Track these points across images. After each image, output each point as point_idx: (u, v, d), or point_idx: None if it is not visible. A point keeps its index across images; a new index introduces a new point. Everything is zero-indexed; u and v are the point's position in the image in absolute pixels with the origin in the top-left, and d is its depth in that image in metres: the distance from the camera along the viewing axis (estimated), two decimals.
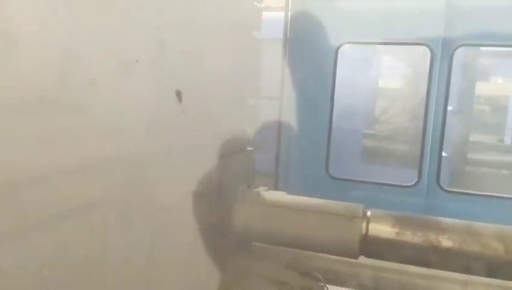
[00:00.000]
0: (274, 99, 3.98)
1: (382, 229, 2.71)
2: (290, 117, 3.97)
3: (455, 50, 3.48)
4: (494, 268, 2.55)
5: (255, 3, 2.99)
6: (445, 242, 2.59)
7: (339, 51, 3.78)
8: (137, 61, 1.53)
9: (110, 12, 1.51)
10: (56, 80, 1.32)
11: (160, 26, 1.73)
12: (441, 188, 3.58)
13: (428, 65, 3.52)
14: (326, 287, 2.85)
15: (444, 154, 3.71)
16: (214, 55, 2.33)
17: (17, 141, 1.21)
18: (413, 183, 3.61)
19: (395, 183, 3.68)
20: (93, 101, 1.44)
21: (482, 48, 4.33)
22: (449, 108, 3.72)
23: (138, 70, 1.62)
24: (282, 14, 3.94)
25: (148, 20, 1.67)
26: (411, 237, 2.64)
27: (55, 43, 1.32)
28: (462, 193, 3.62)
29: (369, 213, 2.81)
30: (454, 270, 2.61)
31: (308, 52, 3.86)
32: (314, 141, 3.87)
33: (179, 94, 1.73)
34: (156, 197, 1.91)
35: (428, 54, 3.53)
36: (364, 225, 2.75)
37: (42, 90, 1.28)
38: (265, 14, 3.60)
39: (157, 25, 1.72)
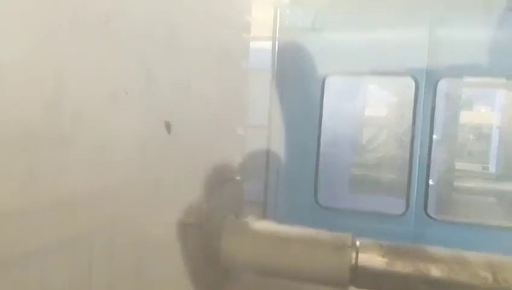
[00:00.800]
0: (262, 127, 4.01)
1: (372, 259, 2.70)
2: (279, 146, 3.99)
3: (438, 81, 3.57)
4: None
5: (243, 34, 3.05)
6: (435, 271, 2.58)
7: (326, 81, 3.84)
8: (126, 93, 1.53)
9: (97, 43, 1.52)
10: (43, 112, 1.31)
11: (147, 56, 1.74)
12: (429, 216, 3.59)
13: (413, 95, 3.59)
14: None
15: (430, 182, 3.74)
16: (202, 85, 2.35)
17: (2, 175, 1.19)
18: (402, 212, 3.62)
19: (384, 212, 3.68)
20: (80, 133, 1.42)
21: (466, 78, 4.46)
22: (434, 137, 3.78)
23: (126, 101, 1.62)
24: (269, 44, 4.01)
25: (136, 50, 1.68)
26: (401, 267, 2.63)
27: (42, 75, 1.32)
28: (449, 222, 3.63)
29: (358, 243, 2.80)
30: None
31: (295, 82, 3.92)
32: (303, 169, 3.88)
33: (167, 126, 1.73)
34: (143, 228, 1.88)
35: (413, 84, 3.61)
36: (353, 255, 2.73)
37: (28, 123, 1.27)
38: (253, 44, 3.68)
39: (145, 55, 1.73)
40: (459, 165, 4.80)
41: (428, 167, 3.60)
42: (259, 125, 4.02)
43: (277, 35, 3.96)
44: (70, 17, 1.42)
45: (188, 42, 2.08)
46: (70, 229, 1.47)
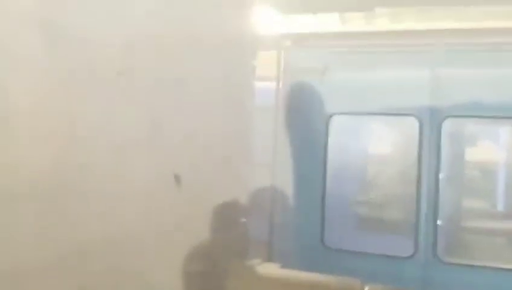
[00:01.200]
0: (267, 166, 3.99)
1: None
2: (284, 185, 3.96)
3: (443, 121, 3.57)
4: None
5: (248, 77, 3.09)
6: None
7: (331, 120, 3.86)
8: (135, 144, 1.54)
9: (107, 96, 1.54)
10: (51, 165, 1.31)
11: (155, 107, 1.76)
12: (439, 259, 3.51)
13: (417, 135, 3.59)
14: None
15: (438, 222, 3.68)
16: (207, 131, 2.35)
17: (12, 228, 1.18)
18: (410, 254, 3.54)
19: (392, 254, 3.60)
20: (87, 185, 1.42)
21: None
22: (440, 176, 3.74)
23: (133, 152, 1.62)
24: (273, 84, 4.07)
25: (144, 102, 1.70)
26: None
27: (52, 127, 1.33)
28: (459, 264, 3.54)
29: (366, 289, 2.73)
30: None
31: (300, 121, 3.94)
32: (308, 209, 3.84)
33: (177, 177, 1.72)
34: (147, 277, 1.84)
35: (417, 124, 3.61)
36: None
37: (37, 176, 1.27)
38: (259, 84, 3.72)
39: (152, 106, 1.75)
40: (466, 203, 4.73)
41: (436, 206, 3.55)
42: (264, 164, 4.01)
43: (281, 74, 4.01)
44: (82, 70, 1.44)
45: (195, 90, 2.10)
46: (78, 279, 1.44)
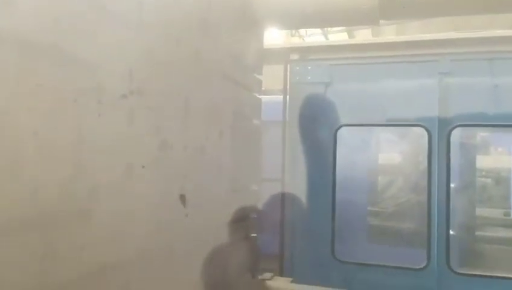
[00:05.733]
0: (276, 181, 4.00)
1: None
2: (293, 199, 3.96)
3: (452, 130, 3.56)
4: None
5: (255, 93, 3.12)
6: None
7: (339, 132, 3.86)
8: (143, 166, 1.56)
9: (114, 117, 1.57)
10: (59, 190, 1.34)
11: (162, 127, 1.78)
12: (452, 270, 3.46)
13: (426, 145, 3.58)
14: None
15: (451, 232, 3.64)
16: (215, 149, 2.37)
17: (20, 255, 1.20)
18: (423, 266, 3.50)
19: (404, 265, 3.57)
20: (96, 209, 1.44)
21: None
22: (452, 185, 3.71)
23: (141, 173, 1.64)
24: (281, 97, 4.09)
25: (151, 123, 1.72)
26: None
27: (58, 151, 1.35)
28: (473, 275, 3.49)
29: None
30: None
31: (308, 134, 3.95)
32: (318, 222, 3.83)
33: (182, 198, 1.74)
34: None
35: (426, 134, 3.60)
36: None
37: (45, 202, 1.29)
38: (266, 98, 3.75)
39: (160, 126, 1.77)
40: (479, 212, 4.67)
41: (448, 216, 3.52)
42: (274, 179, 4.02)
43: (288, 87, 4.04)
44: (89, 93, 1.47)
45: (202, 109, 2.13)
46: None
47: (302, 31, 8.39)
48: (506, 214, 5.14)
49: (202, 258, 2.14)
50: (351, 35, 8.17)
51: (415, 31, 3.41)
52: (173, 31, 1.99)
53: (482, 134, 4.65)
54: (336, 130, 3.85)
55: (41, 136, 1.27)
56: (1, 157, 1.14)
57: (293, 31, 7.79)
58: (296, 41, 7.79)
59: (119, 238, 1.52)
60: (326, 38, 7.94)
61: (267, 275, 3.39)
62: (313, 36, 8.13)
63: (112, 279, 1.57)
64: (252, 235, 3.17)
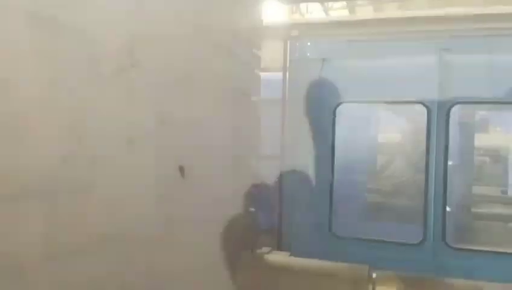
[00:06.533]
0: (275, 157, 4.02)
1: None
2: (292, 174, 3.99)
3: (451, 108, 3.56)
4: None
5: (254, 69, 3.11)
6: None
7: (338, 109, 3.86)
8: (142, 139, 1.58)
9: (113, 91, 1.57)
10: (61, 162, 1.36)
11: (162, 101, 1.79)
12: (448, 245, 3.52)
13: (425, 121, 3.59)
14: None
15: (448, 209, 3.69)
16: (214, 123, 2.39)
17: (23, 224, 1.22)
18: (419, 241, 3.56)
19: (400, 241, 3.62)
20: (96, 181, 1.46)
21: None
22: (450, 163, 3.74)
23: (140, 145, 1.66)
24: (280, 74, 4.07)
25: (150, 96, 1.73)
26: None
27: (59, 124, 1.36)
28: (469, 250, 3.55)
29: (374, 275, 2.76)
30: None
31: (307, 111, 3.95)
32: (316, 198, 3.87)
33: (181, 169, 1.76)
34: (158, 265, 1.89)
35: (425, 111, 3.60)
36: (370, 287, 2.70)
37: (47, 173, 1.31)
38: (266, 75, 3.74)
39: (159, 100, 1.78)
40: (476, 189, 4.71)
41: (445, 193, 3.55)
42: (273, 155, 4.04)
43: (287, 65, 4.02)
44: (87, 66, 1.47)
45: (202, 83, 2.13)
46: (90, 270, 1.49)
47: (304, 8, 8.32)
48: (504, 192, 5.18)
49: (201, 229, 2.18)
50: (352, 12, 8.09)
51: (420, 7, 3.37)
52: (172, 4, 1.97)
53: (480, 112, 4.64)
54: (335, 108, 3.85)
55: (43, 109, 1.28)
56: (4, 125, 1.15)
57: (294, 9, 7.72)
58: (296, 18, 7.71)
59: (121, 206, 1.55)
60: (327, 15, 7.86)
61: (266, 249, 3.45)
62: (314, 13, 8.06)
63: (115, 247, 1.60)
64: (251, 209, 3.21)
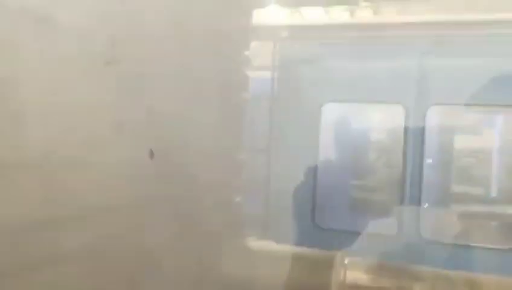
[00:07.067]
0: (263, 151, 4.26)
1: (359, 276, 2.89)
2: (279, 169, 4.22)
3: (428, 109, 3.79)
4: None
5: (243, 68, 3.33)
6: (417, 289, 2.76)
7: (323, 108, 4.10)
8: (129, 126, 1.81)
9: (101, 84, 1.79)
10: (59, 137, 1.58)
11: (147, 94, 2.01)
12: (422, 237, 3.76)
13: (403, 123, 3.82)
14: None
15: (425, 205, 3.93)
16: (203, 116, 2.60)
17: (24, 192, 1.45)
18: (395, 232, 3.79)
19: (377, 232, 3.86)
20: (90, 158, 1.69)
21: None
22: (429, 161, 3.98)
23: (129, 131, 1.89)
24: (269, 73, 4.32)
25: (134, 89, 1.95)
26: (385, 283, 2.82)
27: (55, 110, 1.58)
28: (442, 243, 3.79)
29: (346, 261, 2.99)
30: None
31: (294, 109, 4.18)
32: (301, 192, 4.09)
33: (151, 153, 1.98)
34: (145, 239, 2.11)
35: (403, 112, 3.84)
36: (342, 272, 2.93)
37: (46, 147, 1.53)
38: (255, 74, 3.97)
39: (145, 93, 2.00)
40: (457, 189, 4.93)
41: (420, 190, 3.79)
42: (261, 149, 4.27)
43: (276, 64, 4.26)
44: (75, 60, 1.68)
45: (191, 79, 2.35)
46: (78, 239, 1.71)
47: (303, 9, 8.54)
48: (475, 191, 5.39)
49: (187, 215, 2.40)
50: (352, 14, 8.32)
51: (395, 12, 3.62)
52: (162, 2, 2.16)
53: (456, 114, 4.87)
54: (320, 107, 4.09)
55: (41, 97, 1.51)
56: (5, 116, 1.38)
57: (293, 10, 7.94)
58: (295, 18, 7.93)
59: (110, 183, 1.77)
60: (327, 15, 8.08)
61: (251, 238, 3.67)
62: (313, 15, 8.27)
63: (103, 219, 1.82)
64: (236, 199, 3.42)
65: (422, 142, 3.79)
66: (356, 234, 3.91)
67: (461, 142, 4.25)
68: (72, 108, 1.58)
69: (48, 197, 1.49)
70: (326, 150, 4.11)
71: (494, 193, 4.53)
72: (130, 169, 1.90)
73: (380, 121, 4.24)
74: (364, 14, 3.72)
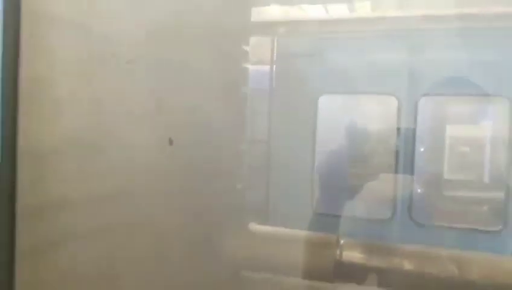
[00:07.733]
0: (263, 142, 4.46)
1: (353, 255, 3.11)
2: (278, 159, 4.43)
3: (419, 99, 3.99)
4: (450, 289, 2.93)
5: (242, 64, 3.53)
6: (407, 266, 2.97)
7: (319, 100, 4.29)
8: (141, 116, 2.02)
9: (117, 81, 2.01)
10: (84, 125, 1.80)
11: (157, 88, 2.23)
12: (414, 221, 3.97)
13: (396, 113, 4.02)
14: None
15: (418, 190, 4.14)
16: (206, 109, 2.81)
17: (56, 174, 1.67)
18: (388, 217, 4.01)
19: (371, 217, 4.07)
20: (112, 144, 1.91)
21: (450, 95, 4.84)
22: (421, 149, 4.19)
23: (142, 121, 2.10)
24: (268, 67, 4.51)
25: (148, 84, 2.16)
26: (378, 262, 3.04)
27: (84, 104, 1.80)
28: (433, 226, 4.00)
29: (342, 242, 3.21)
30: None
31: (292, 101, 4.38)
32: (299, 179, 4.31)
33: (170, 141, 2.20)
34: (156, 220, 2.33)
35: (396, 102, 4.03)
36: (338, 252, 3.14)
37: (75, 134, 1.75)
38: (255, 67, 4.17)
39: (156, 88, 2.21)
40: (450, 175, 5.13)
41: (412, 176, 4.00)
42: (261, 140, 4.47)
43: (274, 58, 4.45)
44: (103, 60, 1.90)
45: (195, 75, 2.56)
46: (105, 217, 1.93)
47: (301, 4, 8.69)
48: (465, 176, 5.59)
49: (193, 200, 2.61)
50: (351, 9, 8.48)
51: (390, 6, 3.80)
52: (163, 2, 2.37)
53: (447, 104, 5.06)
54: (317, 98, 4.28)
55: (73, 94, 1.72)
56: (44, 111, 1.59)
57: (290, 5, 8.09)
58: (295, 13, 8.09)
59: (127, 167, 1.99)
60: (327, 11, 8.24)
61: (252, 223, 3.88)
62: (310, 10, 8.43)
63: (123, 199, 2.04)
64: (238, 186, 3.64)
65: (414, 130, 3.99)
66: (351, 218, 4.12)
67: (452, 131, 4.45)
68: (97, 103, 1.80)
69: (78, 178, 1.71)
70: (323, 139, 4.31)
71: (484, 179, 4.74)
72: (145, 157, 2.12)
73: (376, 112, 4.42)
74: (362, 8, 3.92)
